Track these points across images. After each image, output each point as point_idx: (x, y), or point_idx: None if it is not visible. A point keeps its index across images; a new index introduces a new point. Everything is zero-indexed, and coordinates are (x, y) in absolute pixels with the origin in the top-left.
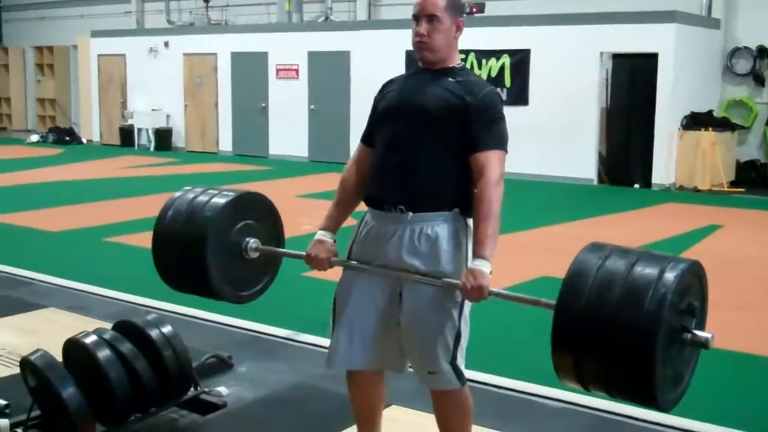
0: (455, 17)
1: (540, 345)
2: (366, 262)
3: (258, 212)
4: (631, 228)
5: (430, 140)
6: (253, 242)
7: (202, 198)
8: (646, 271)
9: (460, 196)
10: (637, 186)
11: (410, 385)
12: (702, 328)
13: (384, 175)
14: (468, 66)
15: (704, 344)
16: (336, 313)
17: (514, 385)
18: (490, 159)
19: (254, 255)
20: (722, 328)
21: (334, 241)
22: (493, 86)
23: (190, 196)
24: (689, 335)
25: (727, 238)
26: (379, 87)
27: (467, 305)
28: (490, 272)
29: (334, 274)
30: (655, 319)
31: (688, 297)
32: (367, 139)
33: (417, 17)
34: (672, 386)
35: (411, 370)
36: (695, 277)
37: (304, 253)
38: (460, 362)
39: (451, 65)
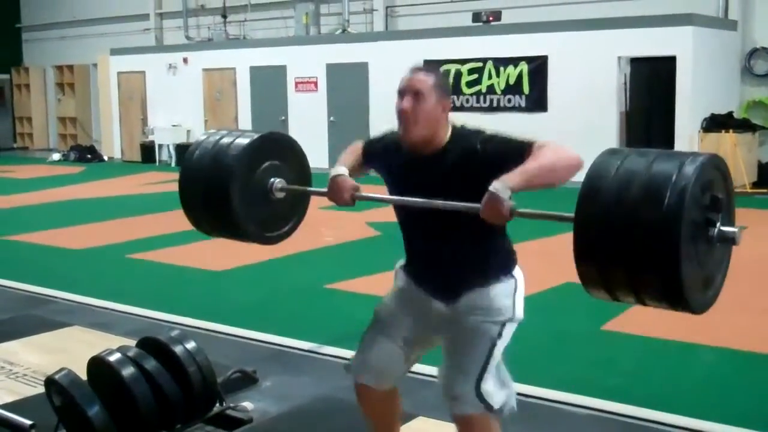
0: (442, 98)
1: (563, 352)
2: (404, 312)
3: (283, 153)
4: None
5: (459, 237)
6: (278, 182)
7: (227, 139)
8: (664, 166)
9: (500, 263)
10: None
11: (435, 395)
12: (730, 223)
13: (421, 267)
14: (486, 74)
15: (732, 239)
16: (369, 328)
17: (541, 393)
18: (543, 146)
19: (280, 195)
20: (748, 330)
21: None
22: (483, 133)
23: (215, 138)
24: (715, 230)
25: (752, 240)
26: (370, 145)
27: (505, 338)
28: (510, 197)
29: (358, 287)
30: (676, 214)
31: (710, 191)
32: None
33: (402, 93)
34: (702, 287)
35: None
36: (717, 171)
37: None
38: (486, 387)
39: (441, 144)
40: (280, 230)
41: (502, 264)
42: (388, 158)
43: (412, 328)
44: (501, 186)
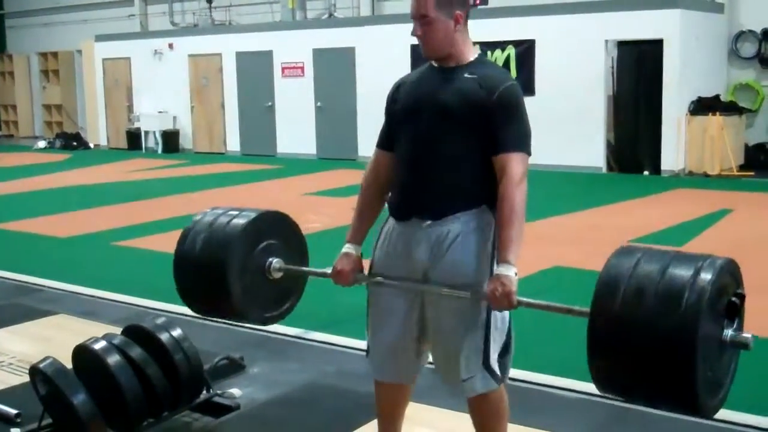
0: (451, 11)
1: (552, 335)
2: (390, 269)
3: (280, 231)
4: (642, 215)
5: (451, 138)
6: (276, 262)
7: (223, 219)
8: (680, 272)
9: (487, 192)
10: (646, 173)
11: (422, 380)
12: (741, 328)
13: (407, 179)
14: None
15: (745, 345)
16: (369, 319)
17: (530, 377)
18: (510, 160)
19: (278, 275)
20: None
21: (360, 254)
22: (512, 80)
23: (210, 218)
24: (729, 336)
25: (739, 222)
26: (389, 85)
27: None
28: (516, 274)
29: None
30: (693, 323)
31: (725, 297)
32: (384, 143)
33: (413, 18)
34: (713, 392)
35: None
36: (731, 276)
37: (328, 271)
38: (494, 362)
39: (464, 60)
40: (279, 309)
41: (486, 196)
42: (406, 84)
43: (397, 262)
44: (507, 268)
